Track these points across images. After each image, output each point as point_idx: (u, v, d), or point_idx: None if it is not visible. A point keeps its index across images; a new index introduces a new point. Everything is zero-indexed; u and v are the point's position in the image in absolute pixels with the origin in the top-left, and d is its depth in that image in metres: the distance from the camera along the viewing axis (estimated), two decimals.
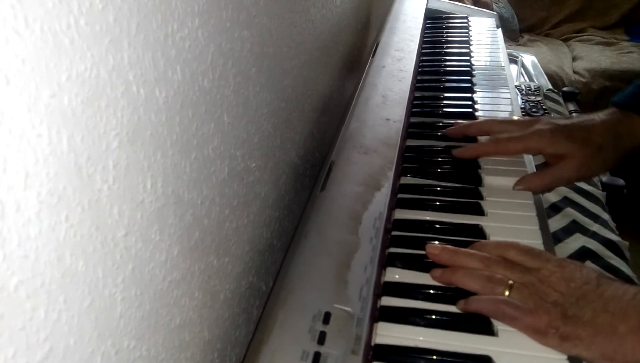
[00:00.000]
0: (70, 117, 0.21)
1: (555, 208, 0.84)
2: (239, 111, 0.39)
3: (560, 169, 0.53)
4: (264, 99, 0.44)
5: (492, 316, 0.39)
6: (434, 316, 0.39)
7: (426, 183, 0.55)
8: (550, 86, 1.28)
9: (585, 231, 0.79)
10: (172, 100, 0.29)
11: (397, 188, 0.54)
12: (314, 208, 0.47)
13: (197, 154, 0.33)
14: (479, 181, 0.54)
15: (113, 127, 0.24)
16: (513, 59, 1.42)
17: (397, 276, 0.43)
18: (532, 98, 1.14)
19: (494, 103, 0.70)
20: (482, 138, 0.61)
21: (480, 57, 0.84)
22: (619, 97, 0.55)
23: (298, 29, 0.51)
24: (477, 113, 0.67)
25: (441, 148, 0.60)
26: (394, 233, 0.48)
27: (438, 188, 0.54)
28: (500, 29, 0.94)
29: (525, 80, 1.35)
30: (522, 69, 1.41)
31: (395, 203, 0.52)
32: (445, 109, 0.69)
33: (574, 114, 1.18)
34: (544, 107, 1.12)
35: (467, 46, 0.87)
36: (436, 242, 0.45)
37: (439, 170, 0.57)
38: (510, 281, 0.40)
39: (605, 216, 0.84)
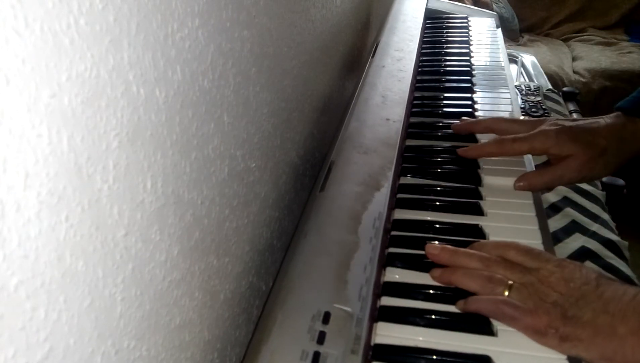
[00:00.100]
0: (70, 117, 0.21)
1: (554, 208, 0.84)
2: (239, 111, 0.39)
3: (561, 168, 0.53)
4: (264, 99, 0.44)
5: (491, 317, 0.39)
6: (433, 316, 0.39)
7: (426, 183, 0.55)
8: (550, 86, 1.28)
9: (584, 231, 0.79)
10: (172, 100, 0.29)
11: (396, 188, 0.54)
12: (314, 208, 0.47)
13: (197, 154, 0.33)
14: (478, 181, 0.54)
15: (113, 127, 0.24)
16: (513, 59, 1.42)
17: (396, 276, 0.43)
18: (532, 98, 1.14)
19: (494, 103, 0.70)
20: (483, 137, 0.61)
21: (480, 57, 0.84)
22: (624, 102, 0.55)
23: (298, 29, 0.51)
24: (477, 113, 0.67)
25: (441, 148, 0.60)
26: (393, 233, 0.48)
27: (438, 188, 0.54)
28: (500, 29, 0.94)
29: (525, 80, 1.35)
30: (522, 69, 1.41)
31: (395, 203, 0.52)
32: (445, 109, 0.69)
33: (574, 114, 1.18)
34: (543, 107, 1.12)
35: (467, 46, 0.87)
36: (436, 242, 0.45)
37: (438, 170, 0.57)
38: (510, 282, 0.40)
39: (605, 216, 0.84)
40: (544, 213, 0.51)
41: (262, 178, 0.46)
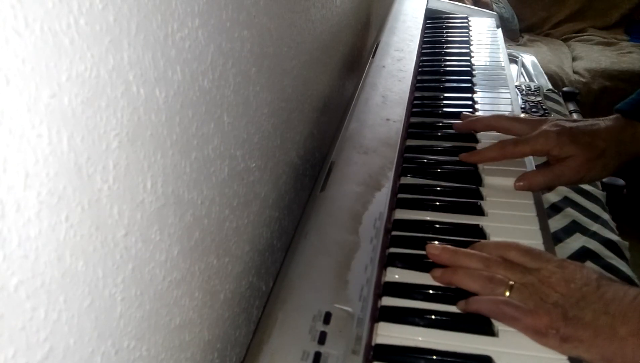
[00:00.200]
0: (70, 117, 0.21)
1: (555, 208, 0.84)
2: (239, 111, 0.39)
3: (561, 168, 0.53)
4: (264, 99, 0.44)
5: (492, 317, 0.39)
6: (434, 317, 0.39)
7: (426, 183, 0.55)
8: (550, 86, 1.28)
9: (585, 231, 0.79)
10: (172, 100, 0.29)
11: (397, 188, 0.54)
12: (314, 208, 0.47)
13: (197, 154, 0.33)
14: (479, 181, 0.54)
15: (113, 127, 0.24)
16: (513, 59, 1.42)
17: (397, 277, 0.43)
18: (532, 98, 1.14)
19: (494, 103, 0.70)
20: (484, 136, 0.61)
21: (480, 57, 0.84)
22: (623, 104, 0.55)
23: (298, 29, 0.51)
24: (477, 113, 0.67)
25: (441, 148, 0.60)
26: (394, 233, 0.48)
27: (438, 188, 0.54)
28: (500, 29, 0.94)
29: (525, 80, 1.35)
30: (522, 69, 1.41)
31: (396, 203, 0.52)
32: (445, 109, 0.69)
33: (574, 114, 1.18)
34: (544, 107, 1.12)
35: (467, 46, 0.87)
36: (436, 242, 0.45)
37: (439, 170, 0.57)
38: (511, 282, 0.40)
39: (606, 216, 0.84)
40: (545, 213, 0.51)
41: (262, 178, 0.46)
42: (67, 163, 0.21)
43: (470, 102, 0.70)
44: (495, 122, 0.59)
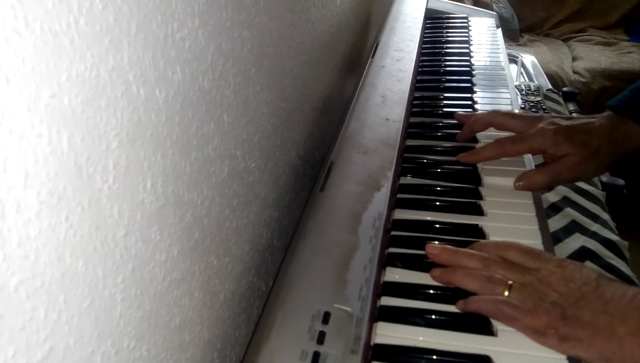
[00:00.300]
0: (70, 117, 0.21)
1: (554, 208, 0.84)
2: (239, 111, 0.39)
3: (559, 167, 0.54)
4: (264, 99, 0.44)
5: (491, 317, 0.39)
6: (433, 316, 0.39)
7: (426, 183, 0.55)
8: (550, 86, 1.28)
9: (584, 231, 0.79)
10: (172, 100, 0.29)
11: (396, 188, 0.54)
12: (314, 208, 0.47)
13: (197, 154, 0.33)
14: (478, 181, 0.54)
15: (113, 127, 0.24)
16: (513, 59, 1.42)
17: (396, 276, 0.43)
18: (532, 98, 1.15)
19: (494, 103, 0.70)
20: (482, 134, 0.61)
21: (480, 57, 0.84)
22: (615, 100, 0.56)
23: (298, 29, 0.51)
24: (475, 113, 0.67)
25: (441, 148, 0.60)
26: (393, 233, 0.48)
27: (438, 188, 0.54)
28: (500, 29, 0.94)
29: (525, 80, 1.35)
30: (522, 69, 1.41)
31: (395, 203, 0.52)
32: (445, 109, 0.69)
33: (573, 114, 1.18)
34: (543, 107, 1.12)
35: (467, 46, 0.87)
36: (436, 242, 0.45)
37: (438, 170, 0.57)
38: (510, 282, 0.40)
39: (605, 216, 0.84)
40: (544, 213, 0.51)
41: (262, 178, 0.46)
42: (67, 163, 0.21)
43: (469, 102, 0.70)
44: (491, 118, 0.59)
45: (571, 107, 1.20)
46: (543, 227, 0.48)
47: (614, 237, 0.78)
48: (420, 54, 0.82)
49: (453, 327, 0.39)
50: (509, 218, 0.49)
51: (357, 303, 0.37)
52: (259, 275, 0.48)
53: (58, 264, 0.22)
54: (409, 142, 0.62)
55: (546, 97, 1.18)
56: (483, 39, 0.90)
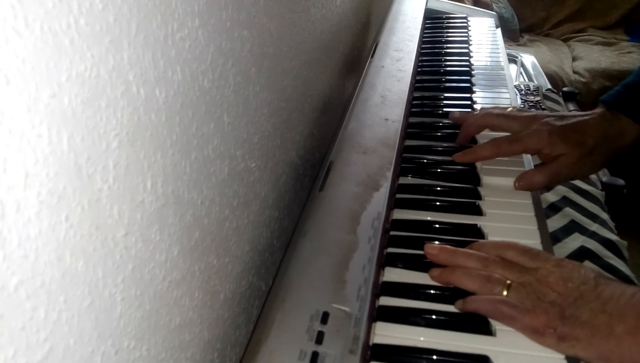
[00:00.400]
0: (70, 117, 0.21)
1: (554, 208, 0.84)
2: (239, 111, 0.39)
3: (557, 166, 0.54)
4: (264, 99, 0.44)
5: (490, 316, 0.39)
6: (432, 316, 0.39)
7: (425, 183, 0.55)
8: (549, 86, 1.28)
9: (584, 231, 0.79)
10: (172, 100, 0.29)
11: (395, 188, 0.54)
12: (313, 208, 0.47)
13: (197, 154, 0.33)
14: (477, 181, 0.54)
15: (113, 127, 0.24)
16: (513, 59, 1.42)
17: (395, 276, 0.43)
18: (531, 98, 1.15)
19: (494, 103, 0.70)
20: (482, 137, 0.61)
21: (480, 57, 0.84)
22: (607, 96, 0.56)
23: (298, 29, 0.51)
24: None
25: (440, 148, 0.60)
26: (392, 233, 0.48)
27: (437, 188, 0.54)
28: (499, 29, 0.94)
29: (524, 80, 1.35)
30: (521, 69, 1.41)
31: (394, 203, 0.52)
32: (444, 109, 0.69)
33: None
34: (542, 107, 1.12)
35: (467, 46, 0.87)
36: (435, 242, 0.45)
37: (437, 170, 0.57)
38: (508, 281, 0.40)
39: (604, 215, 0.84)
40: (543, 212, 0.51)
41: (262, 178, 0.46)
42: (67, 163, 0.21)
43: (469, 102, 0.70)
44: (485, 121, 0.60)
45: (571, 107, 1.20)
46: (542, 227, 0.48)
47: (613, 237, 0.78)
48: (419, 54, 0.82)
49: (451, 327, 0.39)
50: (508, 217, 0.49)
51: (355, 303, 0.37)
52: (259, 274, 0.48)
53: (58, 264, 0.22)
54: (408, 142, 0.62)
55: (545, 97, 1.18)
56: (483, 39, 0.90)
